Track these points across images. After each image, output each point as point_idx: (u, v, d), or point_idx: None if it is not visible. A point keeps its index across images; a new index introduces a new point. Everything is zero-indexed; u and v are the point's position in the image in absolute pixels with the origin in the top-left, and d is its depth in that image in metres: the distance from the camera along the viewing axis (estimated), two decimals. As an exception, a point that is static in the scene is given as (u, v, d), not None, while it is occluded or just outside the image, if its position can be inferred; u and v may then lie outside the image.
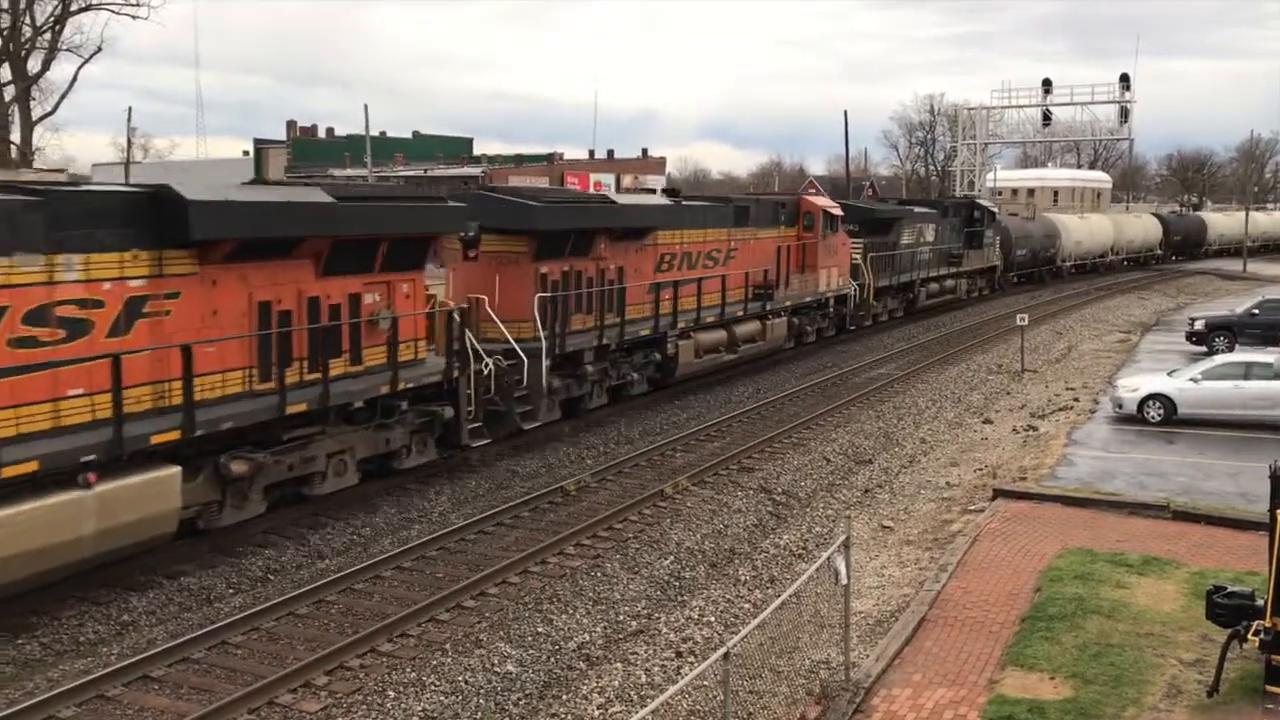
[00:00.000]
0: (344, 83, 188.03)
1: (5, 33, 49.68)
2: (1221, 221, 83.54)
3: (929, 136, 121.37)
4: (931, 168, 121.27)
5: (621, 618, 13.61)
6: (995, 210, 52.61)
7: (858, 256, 36.34)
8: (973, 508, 17.70)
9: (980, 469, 20.52)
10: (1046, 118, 70.26)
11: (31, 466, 11.92)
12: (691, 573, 15.34)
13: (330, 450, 16.29)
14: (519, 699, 11.46)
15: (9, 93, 50.37)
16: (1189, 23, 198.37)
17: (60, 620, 12.61)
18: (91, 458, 12.47)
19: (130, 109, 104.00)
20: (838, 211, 33.92)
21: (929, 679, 11.03)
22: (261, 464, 14.99)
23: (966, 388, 29.24)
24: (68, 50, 51.62)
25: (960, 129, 76.85)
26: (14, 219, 12.01)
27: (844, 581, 11.07)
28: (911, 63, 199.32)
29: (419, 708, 10.97)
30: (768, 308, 29.47)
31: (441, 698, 11.19)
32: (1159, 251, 73.04)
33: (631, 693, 11.72)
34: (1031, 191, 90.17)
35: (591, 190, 54.65)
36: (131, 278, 13.26)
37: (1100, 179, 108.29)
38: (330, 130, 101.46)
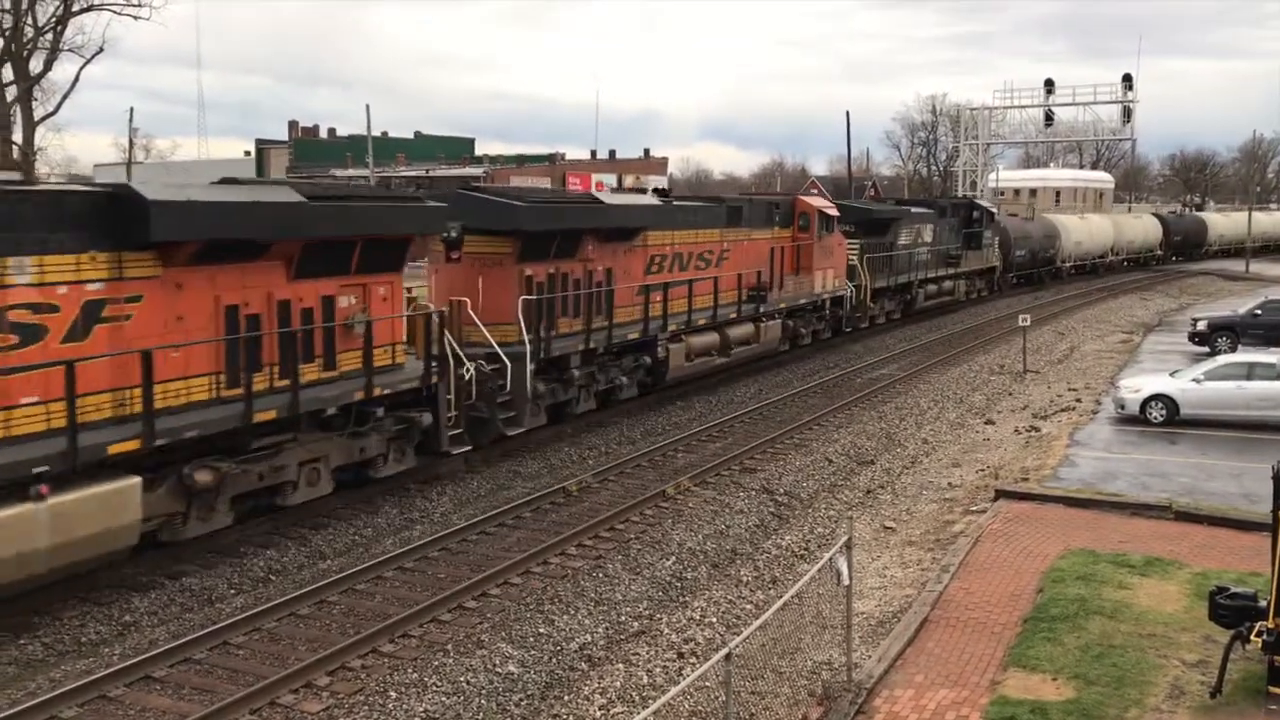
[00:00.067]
0: (345, 83, 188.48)
1: (7, 33, 49.73)
2: (1222, 222, 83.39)
3: (931, 137, 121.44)
4: (934, 168, 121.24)
5: (623, 618, 13.60)
6: (994, 210, 52.26)
7: (854, 257, 35.79)
8: (975, 508, 17.69)
9: (982, 470, 20.50)
10: (1049, 118, 70.17)
11: None
12: (693, 573, 15.33)
13: (302, 459, 15.74)
14: (521, 700, 11.46)
15: (11, 93, 50.43)
16: (1189, 23, 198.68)
17: (62, 620, 12.62)
18: (44, 469, 11.94)
19: (132, 109, 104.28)
20: (833, 212, 33.49)
21: (931, 680, 11.02)
22: (227, 474, 14.45)
23: (968, 388, 29.22)
24: (70, 51, 51.73)
25: (962, 129, 76.80)
26: None
27: (846, 582, 11.06)
28: (912, 63, 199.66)
29: (421, 708, 10.97)
30: (761, 310, 28.99)
31: (443, 698, 11.18)
32: (1159, 252, 72.81)
33: (633, 693, 11.71)
34: (1034, 192, 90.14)
35: (593, 191, 54.61)
36: (89, 281, 12.79)
37: (1103, 179, 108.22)
38: (332, 130, 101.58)
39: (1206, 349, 31.37)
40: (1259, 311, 32.43)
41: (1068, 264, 61.44)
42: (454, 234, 19.75)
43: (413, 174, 72.79)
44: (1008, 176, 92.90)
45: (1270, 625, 10.10)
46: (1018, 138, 77.48)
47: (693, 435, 22.42)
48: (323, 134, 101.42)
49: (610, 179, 70.13)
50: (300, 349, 15.41)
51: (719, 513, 17.70)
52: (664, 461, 20.50)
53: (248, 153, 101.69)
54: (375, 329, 16.60)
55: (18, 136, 50.72)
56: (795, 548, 16.71)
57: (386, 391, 16.75)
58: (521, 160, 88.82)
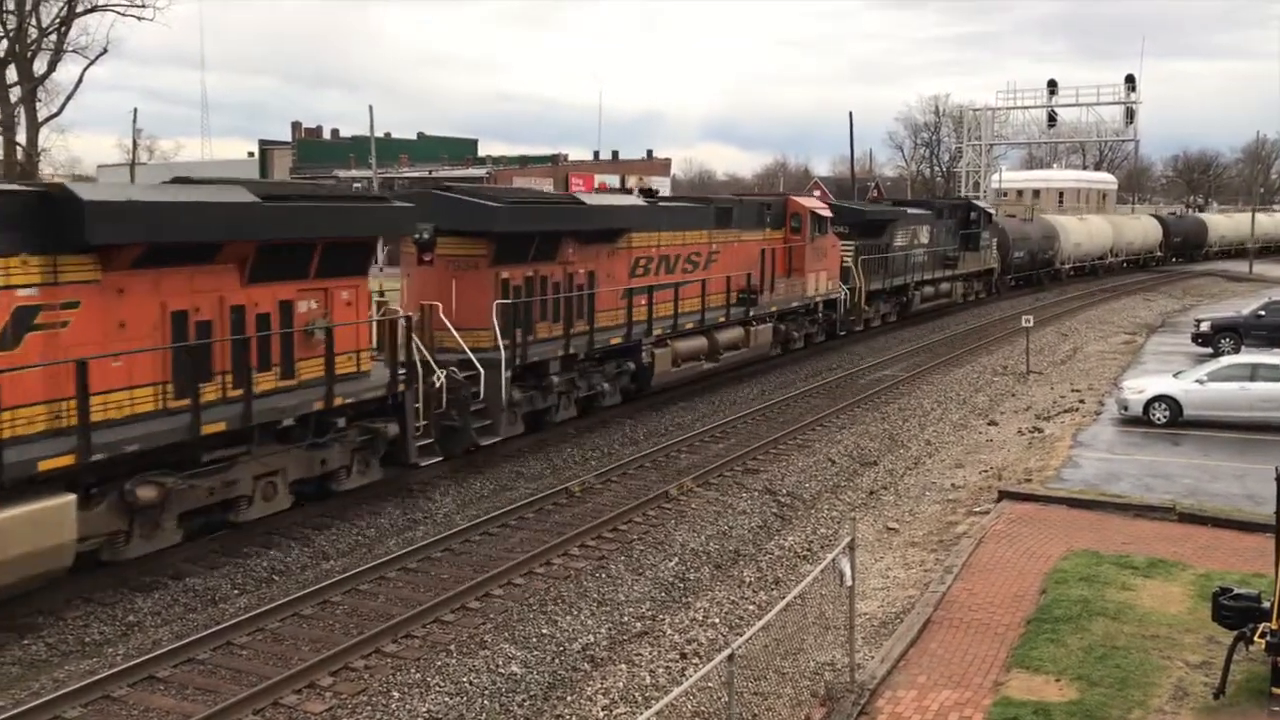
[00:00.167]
0: (350, 84, 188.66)
1: (11, 34, 49.86)
2: (1222, 223, 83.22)
3: (934, 138, 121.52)
4: (937, 169, 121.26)
5: (626, 619, 13.61)
6: (992, 211, 51.78)
7: (848, 259, 35.10)
8: (978, 509, 17.68)
9: (985, 471, 20.49)
10: (1052, 119, 70.23)
11: None
12: (696, 574, 15.34)
13: (257, 472, 14.98)
14: (524, 700, 11.46)
15: (15, 94, 50.55)
16: (1192, 24, 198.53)
17: (66, 621, 12.63)
18: None
19: (136, 110, 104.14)
20: (826, 213, 32.86)
21: (934, 681, 11.01)
22: (173, 489, 13.67)
23: (971, 389, 29.21)
24: (73, 52, 51.96)
25: (965, 130, 76.84)
26: None
27: (849, 583, 11.06)
28: (913, 63, 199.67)
29: (424, 709, 10.98)
30: (752, 313, 28.21)
31: (446, 699, 11.19)
32: (1159, 253, 72.46)
33: (636, 694, 11.72)
34: (1037, 193, 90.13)
35: (596, 191, 54.59)
36: (19, 286, 12.05)
37: (1106, 180, 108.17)
38: (335, 131, 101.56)
39: (1210, 350, 31.34)
40: (1262, 313, 32.41)
41: (1066, 265, 60.98)
42: (426, 236, 19.09)
43: (416, 175, 72.76)
44: (1011, 177, 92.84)
45: (1274, 626, 10.09)
46: (1021, 138, 77.63)
47: (695, 436, 22.42)
48: (326, 135, 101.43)
49: (613, 180, 70.08)
50: (255, 357, 14.69)
51: (722, 513, 17.70)
52: (667, 462, 20.50)
53: (251, 154, 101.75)
54: (338, 335, 15.85)
55: (21, 138, 50.90)
56: (798, 548, 16.71)
57: (349, 401, 16.02)
58: (524, 161, 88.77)
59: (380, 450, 17.03)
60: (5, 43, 49.86)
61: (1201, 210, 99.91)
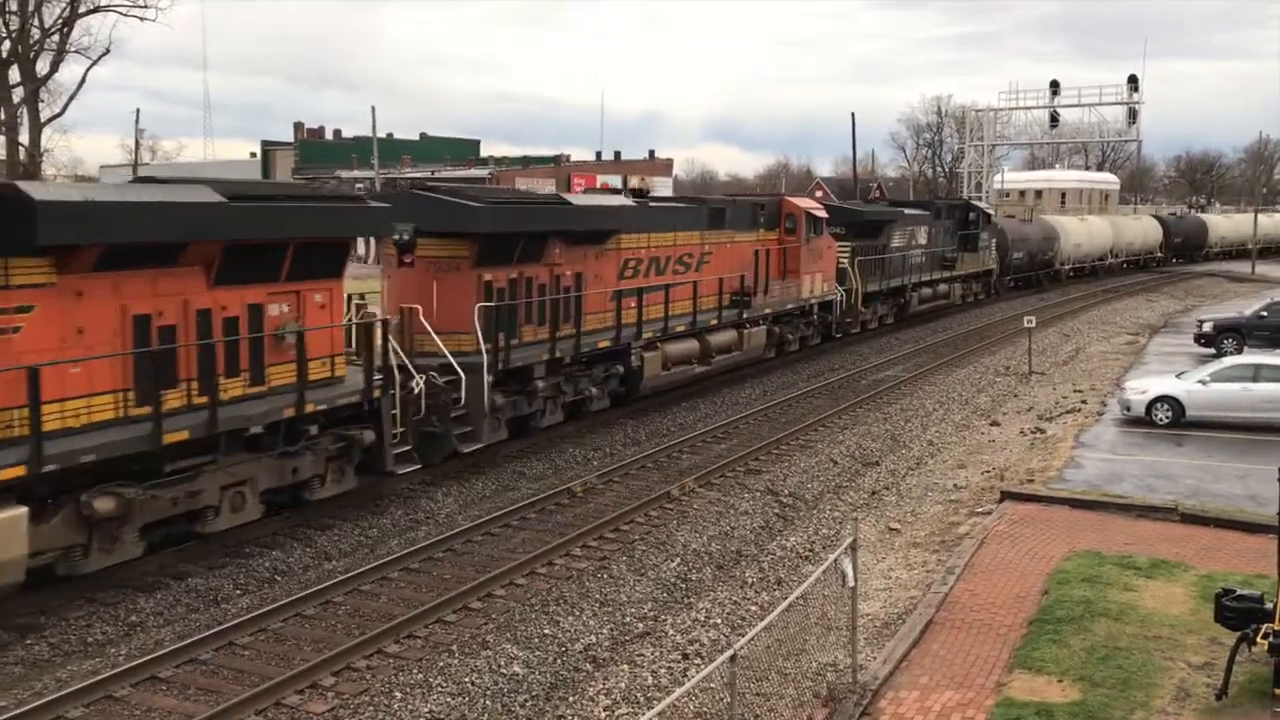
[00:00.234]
0: (352, 84, 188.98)
1: (14, 35, 49.92)
2: (1223, 224, 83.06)
3: (936, 138, 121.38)
4: (939, 169, 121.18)
5: (628, 619, 13.61)
6: (991, 212, 51.32)
7: (845, 260, 34.71)
8: (980, 510, 17.68)
9: (987, 471, 20.48)
10: (1054, 119, 70.04)
11: None
12: (698, 575, 15.34)
13: (224, 482, 14.43)
14: (525, 700, 11.47)
15: (18, 95, 50.60)
16: (1192, 24, 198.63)
17: (68, 621, 12.64)
18: None
19: (138, 111, 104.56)
20: (822, 213, 32.40)
21: (936, 681, 11.01)
22: (134, 500, 13.15)
23: (973, 390, 29.20)
24: (76, 52, 52.00)
25: (968, 130, 76.71)
26: None
27: (851, 584, 11.06)
28: (914, 63, 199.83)
29: (426, 709, 10.98)
30: (745, 316, 27.74)
31: (448, 699, 11.20)
32: (1159, 254, 72.19)
33: (638, 695, 11.72)
34: (1039, 193, 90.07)
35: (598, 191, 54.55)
36: None
37: (1108, 180, 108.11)
38: (338, 132, 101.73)
39: (1212, 351, 31.31)
40: (1265, 313, 32.38)
41: (1066, 266, 60.46)
42: (406, 237, 18.61)
43: (418, 175, 72.80)
44: (1013, 178, 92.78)
45: (1277, 627, 10.08)
46: (1023, 139, 77.45)
47: (697, 436, 22.42)
48: (329, 135, 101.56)
49: (615, 180, 70.07)
50: (222, 362, 14.23)
51: (724, 514, 17.70)
52: (669, 463, 20.50)
53: (254, 154, 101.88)
54: (310, 339, 15.41)
55: (24, 138, 50.92)
56: (800, 549, 16.71)
57: (322, 408, 15.51)
58: (527, 162, 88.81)
59: (355, 458, 16.54)
60: (8, 43, 49.93)
61: (1204, 211, 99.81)
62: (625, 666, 12.41)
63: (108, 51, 52.17)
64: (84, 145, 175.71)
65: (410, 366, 17.35)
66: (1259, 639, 10.17)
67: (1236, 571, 13.57)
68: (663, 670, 12.32)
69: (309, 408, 15.27)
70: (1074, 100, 69.56)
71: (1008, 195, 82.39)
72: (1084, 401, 26.31)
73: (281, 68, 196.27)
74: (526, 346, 20.27)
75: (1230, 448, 21.09)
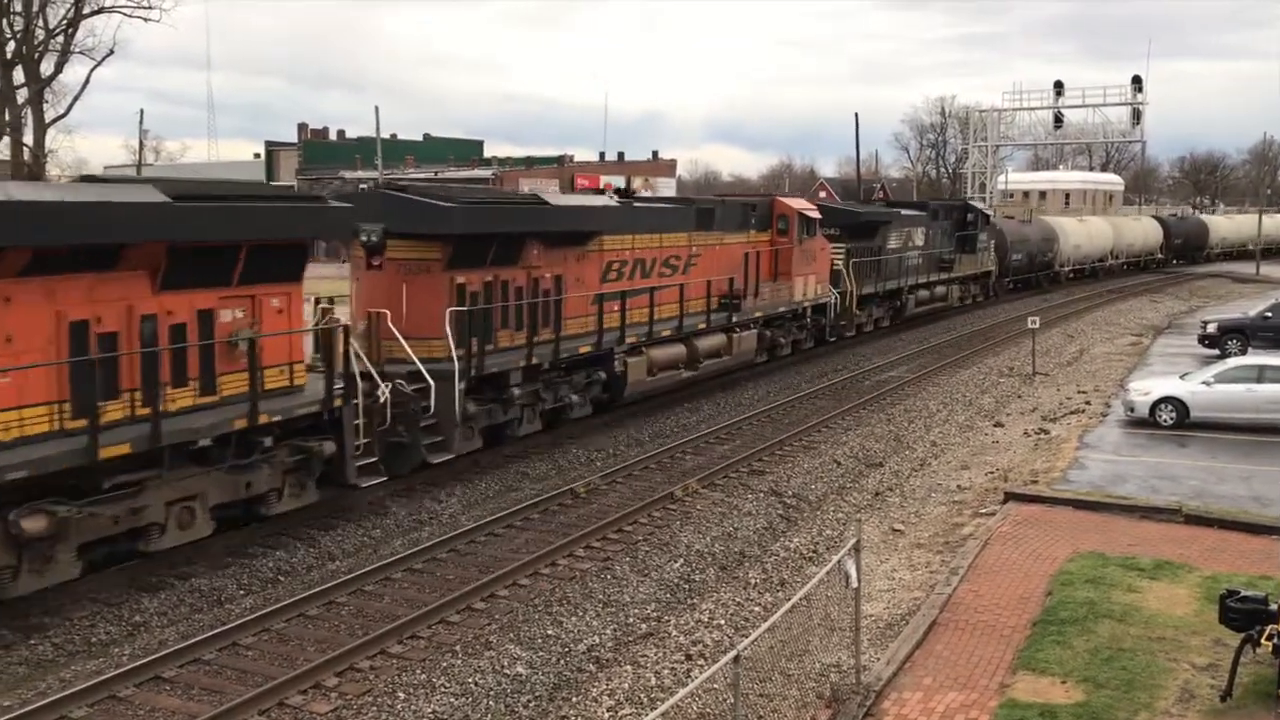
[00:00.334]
0: (356, 85, 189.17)
1: (18, 36, 49.97)
2: (1224, 225, 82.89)
3: (940, 139, 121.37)
4: (943, 170, 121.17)
5: (631, 620, 13.61)
6: (990, 213, 50.72)
7: (839, 262, 34.01)
8: (984, 511, 17.66)
9: (991, 472, 20.47)
10: (1058, 120, 69.94)
11: None
12: (701, 575, 15.33)
13: (170, 498, 13.67)
14: (529, 701, 11.47)
15: (22, 95, 50.66)
16: (1198, 24, 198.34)
17: (72, 621, 12.66)
18: None
19: (142, 111, 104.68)
20: (815, 214, 31.64)
21: (940, 682, 11.00)
22: (69, 519, 12.41)
23: (977, 391, 29.17)
24: (80, 53, 52.01)
25: (971, 131, 76.68)
26: None
27: (854, 585, 11.05)
28: (919, 64, 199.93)
29: (429, 709, 10.99)
30: (734, 319, 26.97)
31: (451, 699, 11.20)
32: (1160, 255, 71.89)
33: (641, 695, 11.71)
34: (1043, 194, 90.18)
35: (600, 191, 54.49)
36: None
37: (1112, 181, 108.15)
38: (341, 132, 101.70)
39: (1216, 352, 31.26)
40: (1269, 314, 32.32)
41: (1066, 268, 59.87)
42: (374, 238, 17.87)
43: (422, 176, 72.85)
44: (1017, 179, 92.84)
45: (1281, 629, 10.07)
46: (1027, 140, 77.39)
47: (701, 437, 22.41)
48: (332, 136, 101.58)
49: (619, 180, 70.07)
50: (169, 371, 13.50)
51: (727, 515, 17.69)
52: (672, 464, 20.50)
53: (257, 155, 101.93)
54: (267, 346, 14.71)
55: (29, 139, 50.97)
56: (803, 550, 16.69)
57: (276, 418, 14.73)
58: (530, 162, 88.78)
59: (316, 471, 15.78)
60: (13, 44, 49.97)
61: (1209, 212, 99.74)
62: (629, 667, 12.40)
63: (112, 52, 52.24)
64: (88, 146, 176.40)
65: (375, 374, 16.69)
66: (1263, 640, 10.16)
67: (1241, 573, 13.55)
68: (666, 671, 12.31)
69: (262, 418, 14.52)
70: (1078, 101, 69.48)
71: (1011, 196, 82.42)
72: (1088, 402, 26.29)
73: (284, 68, 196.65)
74: (502, 352, 19.56)
75: (1234, 449, 21.05)
